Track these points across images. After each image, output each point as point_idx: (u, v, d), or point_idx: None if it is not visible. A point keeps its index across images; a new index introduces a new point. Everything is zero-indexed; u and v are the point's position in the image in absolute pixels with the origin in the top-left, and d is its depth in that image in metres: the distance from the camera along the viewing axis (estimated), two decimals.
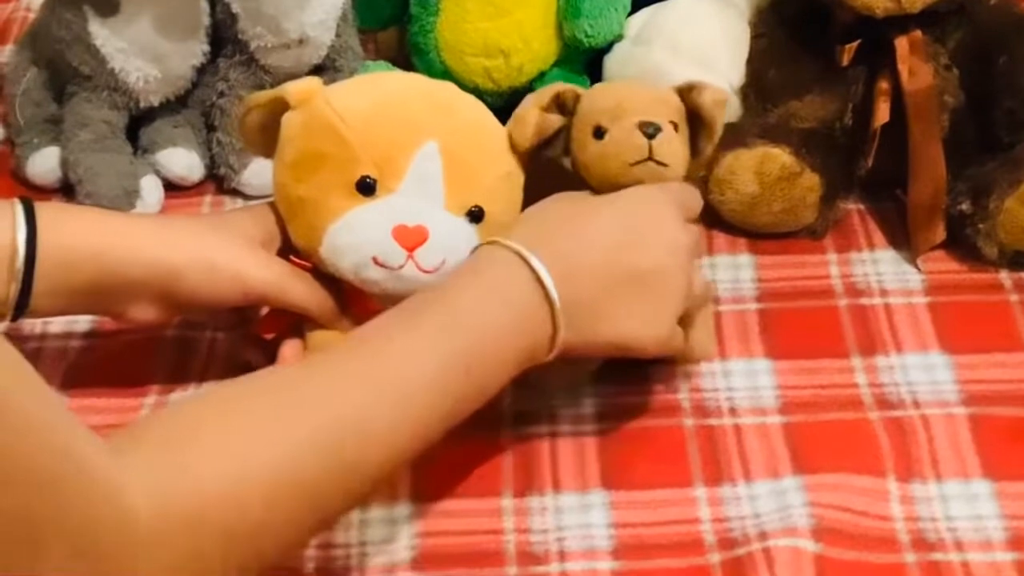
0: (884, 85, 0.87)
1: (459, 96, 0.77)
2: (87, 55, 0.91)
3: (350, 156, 0.70)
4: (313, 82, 0.74)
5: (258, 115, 0.74)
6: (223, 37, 0.95)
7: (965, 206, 0.85)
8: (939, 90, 0.87)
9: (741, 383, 0.79)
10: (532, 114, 0.74)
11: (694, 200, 0.75)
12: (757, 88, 0.92)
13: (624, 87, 0.77)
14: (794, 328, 0.83)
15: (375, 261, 0.70)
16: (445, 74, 0.96)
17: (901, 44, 0.86)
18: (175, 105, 0.96)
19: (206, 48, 0.95)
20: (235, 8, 0.93)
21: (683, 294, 0.70)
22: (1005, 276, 0.85)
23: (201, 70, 0.96)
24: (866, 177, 0.90)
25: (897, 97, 0.86)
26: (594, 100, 0.75)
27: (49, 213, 0.71)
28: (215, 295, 0.72)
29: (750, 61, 0.93)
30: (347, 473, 0.60)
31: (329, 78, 0.91)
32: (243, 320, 0.78)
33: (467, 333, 0.64)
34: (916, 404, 0.77)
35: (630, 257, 0.69)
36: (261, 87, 0.91)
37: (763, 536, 0.69)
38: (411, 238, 0.69)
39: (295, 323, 0.75)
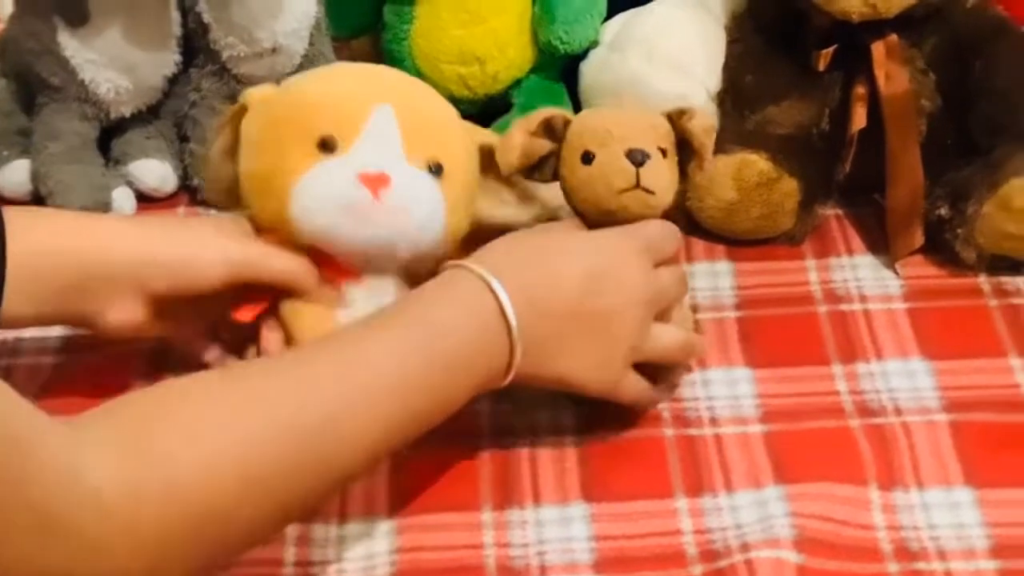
0: (861, 90, 0.87)
1: (415, 80, 0.81)
2: (57, 66, 0.91)
3: (309, 118, 0.73)
4: (267, 89, 0.76)
5: (226, 134, 0.76)
6: (195, 47, 0.94)
7: (943, 211, 0.85)
8: (916, 95, 0.87)
9: (721, 392, 0.79)
10: (518, 138, 0.74)
11: (670, 240, 0.74)
12: (734, 94, 0.92)
13: (614, 112, 0.77)
14: (774, 336, 0.82)
15: (343, 210, 0.72)
16: None
17: (877, 49, 0.86)
18: (147, 116, 0.96)
19: (178, 58, 0.94)
20: (207, 18, 0.92)
21: (631, 343, 0.72)
22: (984, 281, 0.85)
23: (173, 80, 0.95)
24: (844, 182, 0.89)
25: (874, 102, 0.86)
26: (584, 125, 0.74)
27: (18, 219, 0.69)
28: (197, 278, 0.72)
29: (726, 67, 0.93)
30: (317, 466, 0.61)
31: None
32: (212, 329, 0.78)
33: (434, 341, 0.65)
34: (897, 411, 0.77)
35: (587, 303, 0.70)
36: (234, 97, 0.90)
37: (745, 547, 0.68)
38: (375, 182, 0.71)
39: (270, 306, 0.75)
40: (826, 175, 0.89)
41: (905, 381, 0.79)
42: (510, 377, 0.69)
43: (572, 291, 0.70)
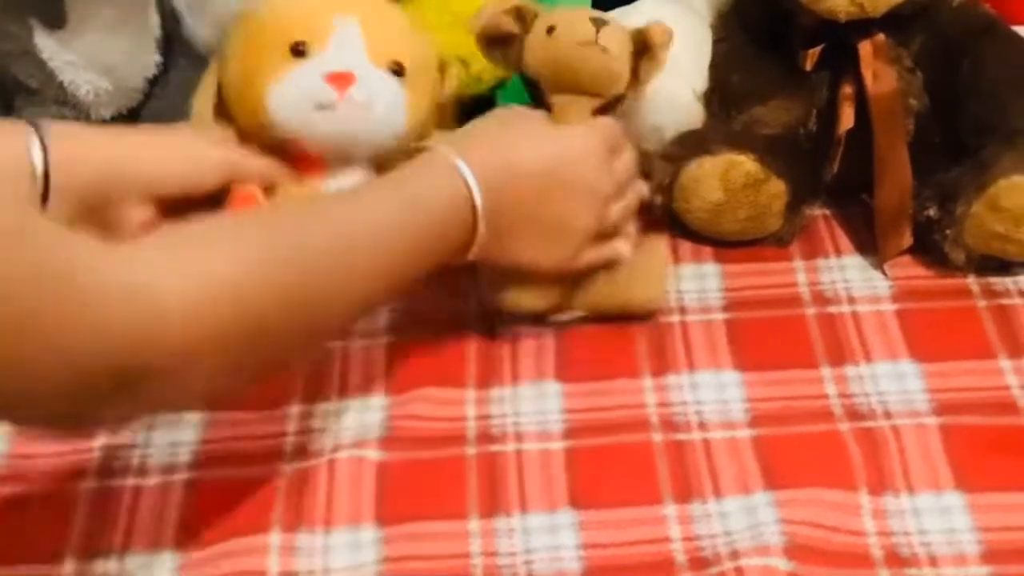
0: (848, 90, 0.86)
1: None
2: (34, 68, 0.89)
3: (283, 27, 0.82)
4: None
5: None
6: (174, 49, 0.93)
7: (932, 211, 0.85)
8: (904, 94, 0.86)
9: (710, 396, 0.78)
10: (490, 8, 0.81)
11: (619, 133, 0.81)
12: (720, 94, 0.91)
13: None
14: (762, 338, 0.82)
15: (315, 105, 0.80)
16: None
17: (864, 48, 0.85)
18: (128, 118, 0.94)
19: (158, 59, 0.93)
20: (179, 7, 0.91)
21: (587, 232, 0.78)
22: (973, 281, 0.85)
23: (153, 82, 0.94)
24: (832, 183, 0.89)
25: (862, 102, 0.86)
26: (552, 12, 0.82)
27: (56, 134, 0.75)
28: (199, 183, 0.79)
29: (713, 66, 0.92)
30: (329, 291, 0.68)
31: None
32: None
33: (413, 206, 0.72)
34: (887, 414, 0.76)
35: (545, 199, 0.77)
36: None
37: (734, 555, 0.68)
38: (342, 81, 0.80)
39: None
40: (814, 176, 0.88)
41: (894, 384, 0.78)
42: (472, 252, 0.75)
43: (532, 188, 0.76)
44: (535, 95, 0.82)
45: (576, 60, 0.80)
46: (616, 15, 0.94)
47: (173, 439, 0.76)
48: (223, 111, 0.85)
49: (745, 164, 0.86)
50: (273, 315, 0.64)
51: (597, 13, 0.83)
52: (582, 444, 0.75)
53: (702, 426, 0.76)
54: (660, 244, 0.85)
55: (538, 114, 0.81)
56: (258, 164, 0.82)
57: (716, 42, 0.93)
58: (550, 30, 0.80)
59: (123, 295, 0.57)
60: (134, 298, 0.57)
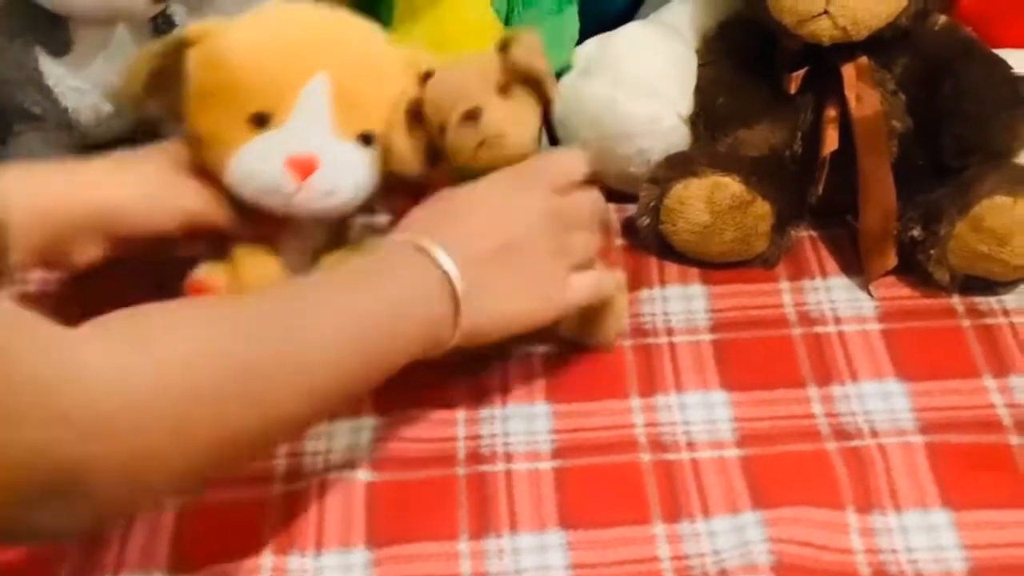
0: (832, 112, 0.87)
1: (351, 25, 0.81)
2: (39, 95, 0.90)
3: (243, 91, 0.76)
4: (209, 22, 0.78)
5: (154, 61, 0.78)
6: None
7: (916, 232, 0.85)
8: (887, 116, 0.87)
9: (698, 416, 0.78)
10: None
11: (567, 165, 0.77)
12: (706, 117, 0.92)
13: (448, 71, 0.78)
14: (749, 358, 0.82)
15: (272, 190, 0.76)
16: None
17: (848, 71, 0.86)
18: (124, 138, 0.95)
19: None
20: (177, 20, 0.91)
21: (552, 255, 0.75)
22: (957, 301, 0.85)
23: None
24: (817, 204, 0.90)
25: (845, 124, 0.86)
26: (429, 96, 0.77)
27: (12, 175, 0.74)
28: (156, 228, 0.77)
29: (698, 90, 0.93)
30: (285, 373, 0.63)
31: None
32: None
33: (373, 301, 0.68)
34: (873, 433, 0.77)
35: (496, 239, 0.73)
36: None
37: (723, 573, 0.68)
38: (303, 167, 0.75)
39: (218, 248, 0.79)
40: (799, 197, 0.89)
41: (880, 403, 0.79)
42: (457, 333, 0.71)
43: (482, 234, 0.73)
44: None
45: (485, 162, 0.76)
46: (601, 40, 0.95)
47: None
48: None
49: (731, 186, 0.86)
50: (233, 411, 0.60)
51: (466, 95, 0.75)
52: (571, 464, 0.75)
53: (690, 446, 0.76)
54: (621, 278, 0.84)
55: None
56: (225, 217, 0.78)
57: (701, 66, 0.94)
58: (441, 130, 0.76)
59: (66, 387, 0.53)
60: (77, 390, 0.54)
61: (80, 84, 0.89)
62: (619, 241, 0.91)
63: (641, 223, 0.89)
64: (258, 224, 0.79)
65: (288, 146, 0.75)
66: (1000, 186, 0.83)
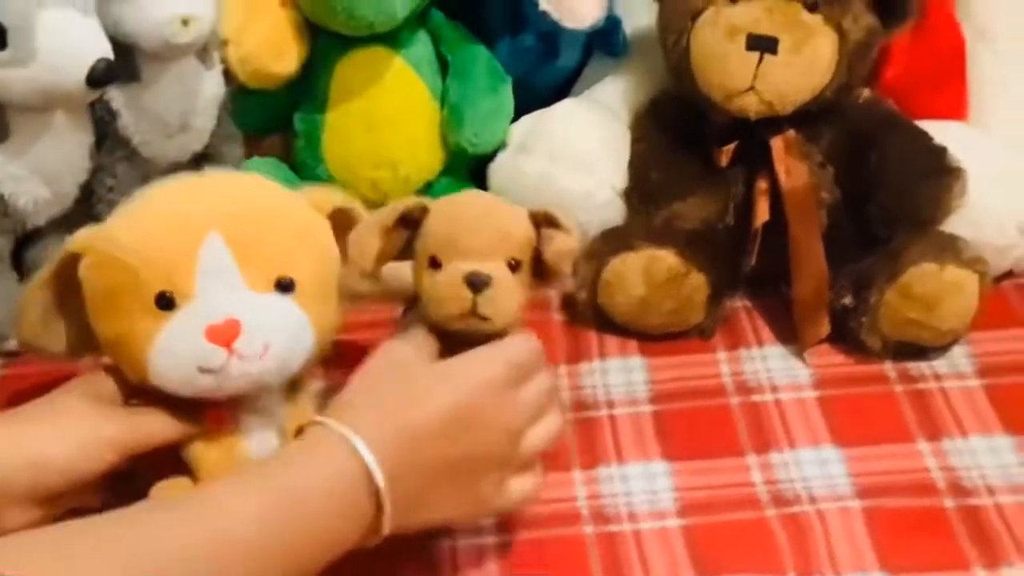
0: (763, 184, 0.89)
1: (236, 181, 0.77)
2: None
3: (139, 281, 0.69)
4: (88, 229, 0.73)
5: (45, 290, 0.74)
6: (104, 133, 0.93)
7: (847, 300, 0.87)
8: (816, 188, 0.89)
9: (639, 487, 0.79)
10: (373, 243, 0.71)
11: (532, 354, 0.71)
12: (640, 191, 0.94)
13: (469, 212, 0.72)
14: (689, 428, 0.83)
15: (200, 369, 0.69)
16: None
17: (776, 145, 0.88)
18: (60, 221, 0.95)
19: (90, 164, 0.94)
20: (116, 105, 0.92)
21: (500, 474, 0.70)
22: (890, 367, 0.87)
23: (84, 186, 0.95)
24: (751, 274, 0.91)
25: (776, 196, 0.88)
26: (435, 226, 0.71)
27: None
28: (88, 470, 0.71)
29: (631, 165, 0.95)
30: None
31: (212, 167, 0.93)
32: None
33: (294, 509, 0.63)
34: (812, 499, 0.78)
35: (449, 451, 0.67)
36: (147, 178, 0.90)
37: None
38: (225, 334, 0.68)
39: (170, 452, 0.73)
40: (733, 268, 0.91)
41: (818, 469, 0.80)
42: (379, 536, 0.66)
43: (432, 444, 0.67)
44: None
45: (455, 332, 0.70)
46: (536, 117, 0.97)
47: None
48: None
49: (666, 259, 0.88)
50: None
51: (477, 252, 0.69)
52: (516, 538, 0.76)
53: (632, 517, 0.77)
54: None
55: (429, 346, 0.70)
56: (161, 430, 0.72)
57: (634, 141, 0.96)
58: (434, 262, 0.70)
59: None
60: None
61: (17, 171, 0.89)
62: (558, 316, 0.92)
63: (579, 297, 0.90)
64: (208, 419, 0.72)
65: (203, 317, 0.68)
66: (927, 253, 0.85)
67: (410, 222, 0.71)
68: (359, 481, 0.65)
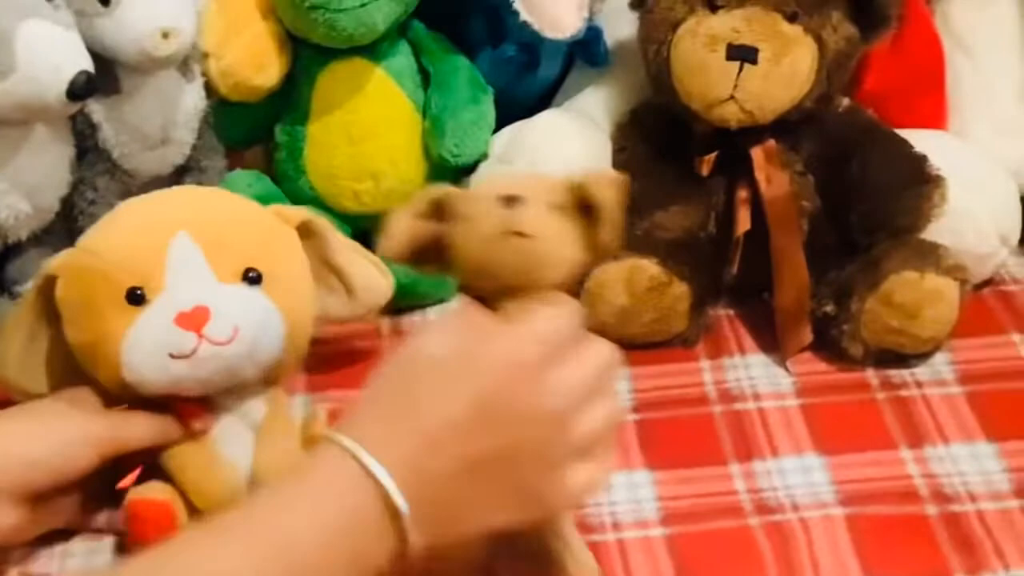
0: (744, 193, 0.89)
1: (204, 193, 0.80)
2: None
3: (110, 281, 0.72)
4: (63, 252, 0.75)
5: (24, 324, 0.75)
6: (84, 147, 0.93)
7: (829, 308, 0.87)
8: (796, 196, 0.89)
9: (622, 496, 0.79)
10: (404, 222, 0.66)
11: (567, 325, 0.63)
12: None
13: (510, 176, 0.70)
14: (672, 437, 0.84)
15: (172, 356, 0.70)
16: (314, 199, 0.97)
17: (757, 154, 0.89)
18: (42, 235, 0.94)
19: (71, 178, 0.94)
20: (97, 118, 0.92)
21: (553, 463, 0.61)
22: (872, 375, 0.87)
23: (65, 200, 0.94)
24: (733, 283, 0.92)
25: (757, 205, 0.89)
26: (469, 191, 0.68)
27: None
28: (70, 466, 0.72)
29: None
30: None
31: (194, 179, 0.93)
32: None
33: (291, 552, 0.57)
34: (795, 507, 0.78)
35: (481, 447, 0.59)
36: (128, 192, 0.90)
37: None
38: (195, 319, 0.70)
39: (150, 459, 0.75)
40: (715, 277, 0.91)
41: (801, 477, 0.80)
42: (410, 557, 0.59)
43: (456, 443, 0.59)
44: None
45: (497, 262, 0.63)
46: (518, 127, 0.97)
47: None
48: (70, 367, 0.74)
49: (648, 268, 0.88)
50: None
51: (510, 182, 0.65)
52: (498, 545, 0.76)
53: (615, 526, 0.77)
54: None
55: (443, 342, 0.62)
56: (140, 430, 0.73)
57: (616, 151, 0.96)
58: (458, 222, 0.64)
59: None
60: None
61: None
62: None
63: None
64: (183, 414, 0.73)
65: (173, 307, 0.70)
66: (907, 262, 0.85)
67: (441, 212, 0.66)
68: (369, 499, 0.58)
